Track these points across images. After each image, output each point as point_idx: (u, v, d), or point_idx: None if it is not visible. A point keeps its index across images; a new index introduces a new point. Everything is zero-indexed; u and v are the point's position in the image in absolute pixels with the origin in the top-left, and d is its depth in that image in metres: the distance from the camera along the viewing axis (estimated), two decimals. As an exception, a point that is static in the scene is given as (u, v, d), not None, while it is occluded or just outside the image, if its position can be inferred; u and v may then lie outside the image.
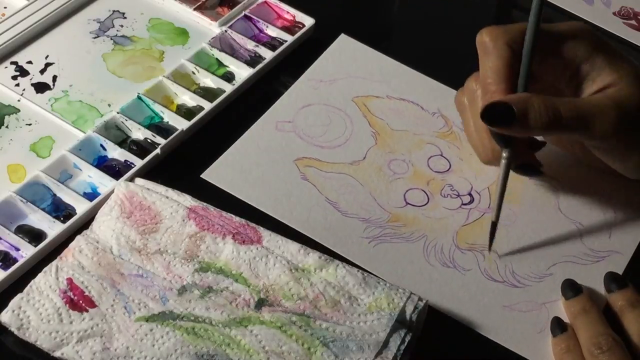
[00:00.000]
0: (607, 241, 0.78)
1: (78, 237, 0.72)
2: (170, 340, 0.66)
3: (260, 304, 0.69)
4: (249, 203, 0.78)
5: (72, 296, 0.68)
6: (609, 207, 0.81)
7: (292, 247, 0.71)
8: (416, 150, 0.84)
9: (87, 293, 0.68)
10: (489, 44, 0.73)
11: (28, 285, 0.68)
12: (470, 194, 0.81)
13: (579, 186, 0.81)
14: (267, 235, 0.72)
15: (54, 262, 0.70)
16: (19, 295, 0.68)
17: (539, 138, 0.79)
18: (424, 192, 0.80)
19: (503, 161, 0.74)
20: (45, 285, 0.68)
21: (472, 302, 0.73)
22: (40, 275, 0.69)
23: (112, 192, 0.76)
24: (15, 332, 0.66)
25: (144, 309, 0.68)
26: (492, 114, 0.70)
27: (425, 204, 0.80)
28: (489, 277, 0.75)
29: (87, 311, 0.67)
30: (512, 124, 0.70)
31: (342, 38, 0.94)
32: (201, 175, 0.80)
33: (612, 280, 0.73)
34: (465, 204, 0.80)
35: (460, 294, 0.73)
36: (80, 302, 0.68)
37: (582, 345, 0.68)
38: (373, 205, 0.79)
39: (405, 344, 0.67)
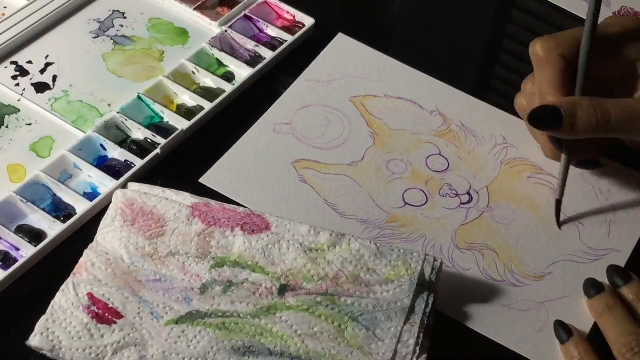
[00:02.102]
0: (606, 239, 0.78)
1: (86, 252, 0.71)
2: (205, 339, 0.66)
3: (282, 290, 0.69)
4: (248, 207, 0.77)
5: (97, 310, 0.67)
6: (607, 205, 0.81)
7: (302, 229, 0.71)
8: (414, 150, 0.83)
9: (110, 305, 0.68)
10: (542, 56, 0.74)
11: (50, 306, 0.68)
12: (469, 193, 0.80)
13: (576, 183, 0.80)
14: (274, 221, 0.72)
15: (69, 279, 0.69)
16: (43, 318, 0.67)
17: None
18: (423, 191, 0.80)
19: (563, 159, 0.76)
20: (68, 304, 0.68)
21: (472, 302, 0.73)
22: (59, 294, 0.68)
23: (110, 196, 0.75)
24: (49, 355, 0.66)
25: (170, 312, 0.68)
26: (540, 117, 0.71)
27: (424, 204, 0.80)
28: (488, 276, 0.75)
29: (115, 323, 0.67)
30: (560, 128, 0.71)
31: (340, 37, 0.93)
32: (199, 180, 0.80)
33: (616, 274, 0.72)
34: (464, 204, 0.80)
35: (459, 293, 0.73)
36: (107, 314, 0.67)
37: (611, 345, 0.68)
38: (372, 206, 0.79)
39: (430, 306, 0.68)
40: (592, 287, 0.72)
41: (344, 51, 0.92)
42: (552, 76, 0.73)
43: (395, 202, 0.79)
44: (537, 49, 0.74)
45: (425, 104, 0.87)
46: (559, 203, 0.78)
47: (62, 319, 0.67)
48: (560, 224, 0.78)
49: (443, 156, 0.83)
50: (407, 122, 0.86)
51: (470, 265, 0.75)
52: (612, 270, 0.73)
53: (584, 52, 0.72)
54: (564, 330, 0.70)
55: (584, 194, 0.81)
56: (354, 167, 0.82)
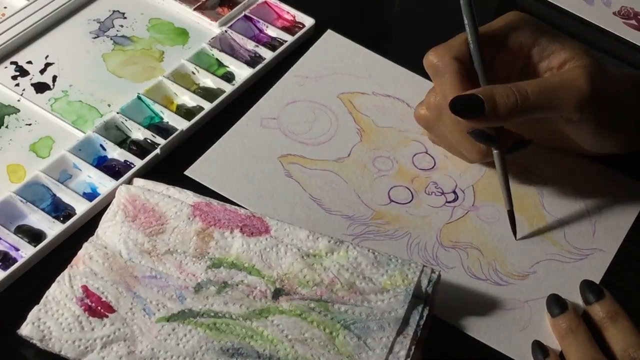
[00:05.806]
0: (590, 239, 0.80)
1: (86, 245, 0.73)
2: (194, 338, 0.68)
3: (277, 293, 0.70)
4: (233, 200, 0.79)
5: (90, 303, 0.69)
6: (592, 205, 0.82)
7: (301, 234, 0.73)
8: (401, 148, 0.85)
9: (104, 299, 0.70)
10: (438, 64, 0.76)
11: (44, 297, 0.70)
12: (454, 192, 0.82)
13: (562, 184, 0.81)
14: (274, 225, 0.73)
15: (65, 271, 0.71)
16: (36, 307, 0.69)
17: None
18: (409, 189, 0.82)
19: (496, 156, 0.77)
20: (61, 295, 0.70)
21: (455, 300, 0.75)
22: (54, 285, 0.71)
23: (112, 194, 0.77)
24: (38, 344, 0.68)
25: (163, 310, 0.69)
26: (461, 106, 0.72)
27: (410, 202, 0.81)
28: (472, 275, 0.77)
29: (107, 317, 0.69)
30: (482, 113, 0.72)
31: (329, 34, 0.96)
32: (185, 172, 0.82)
33: (589, 290, 0.73)
34: (449, 202, 0.82)
35: (442, 291, 0.74)
36: (99, 308, 0.69)
37: None
38: (357, 203, 0.81)
39: (424, 318, 0.69)
40: (556, 306, 0.73)
41: (333, 48, 0.94)
42: (452, 80, 0.74)
43: (381, 199, 0.81)
44: (431, 59, 0.76)
45: (413, 102, 0.88)
46: (511, 214, 0.79)
47: (54, 310, 0.69)
48: (516, 234, 0.79)
49: (430, 154, 0.85)
50: (394, 120, 0.88)
51: (454, 264, 0.77)
52: (585, 285, 0.74)
53: (474, 48, 0.75)
54: (540, 351, 0.71)
55: (569, 193, 0.83)
56: (340, 163, 0.84)
